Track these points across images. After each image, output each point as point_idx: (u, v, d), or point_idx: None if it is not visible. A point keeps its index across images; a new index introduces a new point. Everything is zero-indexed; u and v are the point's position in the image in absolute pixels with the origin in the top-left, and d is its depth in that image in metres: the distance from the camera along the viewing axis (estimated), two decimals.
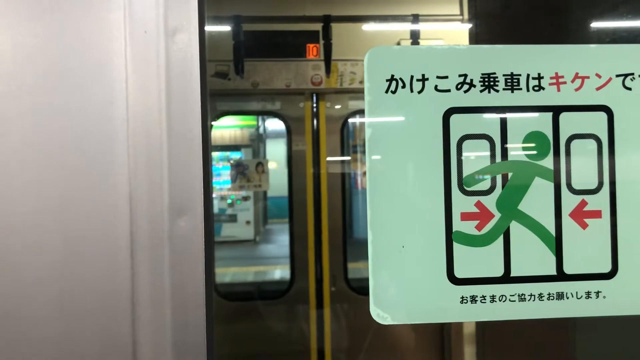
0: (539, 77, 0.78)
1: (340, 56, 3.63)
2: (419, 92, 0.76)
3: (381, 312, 0.77)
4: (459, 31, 3.58)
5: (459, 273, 0.77)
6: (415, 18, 3.46)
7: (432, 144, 0.77)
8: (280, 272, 4.75)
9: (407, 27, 3.62)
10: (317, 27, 3.52)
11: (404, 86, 0.76)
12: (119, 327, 0.70)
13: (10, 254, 0.68)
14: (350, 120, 3.94)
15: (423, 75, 0.76)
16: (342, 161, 3.86)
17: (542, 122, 0.78)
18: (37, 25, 0.68)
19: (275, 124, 6.64)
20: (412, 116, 0.76)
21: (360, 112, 3.92)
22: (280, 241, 6.49)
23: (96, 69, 0.70)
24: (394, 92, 0.76)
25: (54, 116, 0.70)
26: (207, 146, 0.74)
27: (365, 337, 3.82)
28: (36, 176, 0.69)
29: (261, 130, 7.25)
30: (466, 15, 3.50)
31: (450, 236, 0.77)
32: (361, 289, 3.81)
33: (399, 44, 3.77)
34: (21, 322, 0.68)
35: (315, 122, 3.81)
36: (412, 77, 0.76)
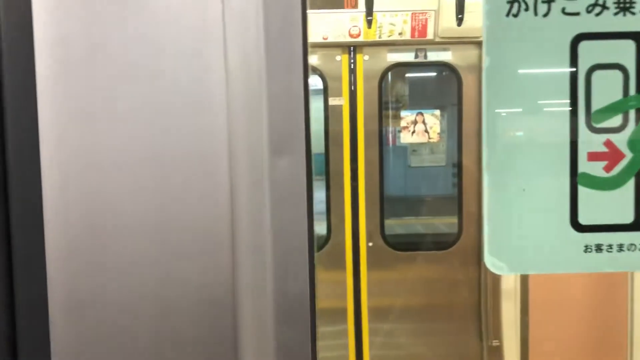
0: None
1: (379, 7, 3.51)
2: (544, 15, 0.68)
3: (496, 261, 0.70)
4: None
5: (583, 219, 0.70)
6: None
7: (557, 75, 0.68)
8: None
9: None
10: None
11: (527, 8, 0.67)
12: (218, 272, 0.64)
13: (107, 198, 0.63)
14: (389, 73, 3.83)
15: None
16: (380, 116, 3.77)
17: None
18: None
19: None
20: (536, 43, 0.68)
21: (398, 66, 3.80)
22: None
23: None
24: (515, 16, 0.67)
25: (142, 40, 0.63)
26: (307, 78, 0.67)
27: (402, 292, 3.80)
28: (128, 111, 0.63)
29: None
30: None
31: (575, 178, 0.69)
32: (398, 245, 3.78)
33: None
34: (119, 265, 0.63)
35: (352, 76, 3.71)
36: None
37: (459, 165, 3.82)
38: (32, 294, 0.64)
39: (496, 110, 0.69)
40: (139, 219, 0.63)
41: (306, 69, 0.67)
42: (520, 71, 0.68)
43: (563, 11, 0.68)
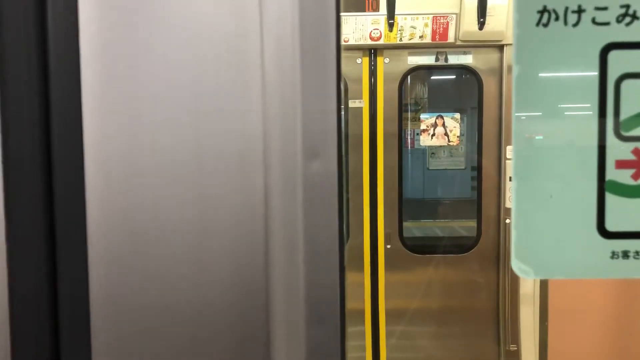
0: None
1: (401, 10, 3.52)
2: (574, 25, 0.69)
3: (523, 266, 0.71)
4: None
5: (610, 226, 0.71)
6: None
7: (586, 84, 0.69)
8: None
9: None
10: None
11: (557, 18, 0.68)
12: (252, 273, 0.66)
13: (148, 200, 0.65)
14: (409, 76, 3.83)
15: (579, 6, 0.68)
16: (400, 119, 3.77)
17: None
18: None
19: None
20: (566, 52, 0.69)
21: (418, 69, 3.81)
22: None
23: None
24: (545, 25, 0.68)
25: (182, 47, 0.65)
26: (340, 83, 0.69)
27: (419, 295, 3.80)
28: (167, 114, 0.65)
29: None
30: None
31: (602, 185, 0.70)
32: (416, 247, 3.78)
33: None
34: (157, 265, 0.66)
35: (372, 78, 3.72)
36: (567, 8, 0.68)
37: (478, 169, 3.81)
38: (74, 294, 0.66)
39: (525, 118, 0.70)
40: (178, 221, 0.65)
41: (339, 75, 0.69)
42: (550, 80, 0.70)
43: (593, 21, 0.69)
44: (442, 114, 3.89)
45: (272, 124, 0.66)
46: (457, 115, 3.89)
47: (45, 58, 0.64)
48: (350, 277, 3.76)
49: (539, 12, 0.69)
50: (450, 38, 3.60)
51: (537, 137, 0.70)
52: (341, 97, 0.69)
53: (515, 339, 3.66)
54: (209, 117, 0.66)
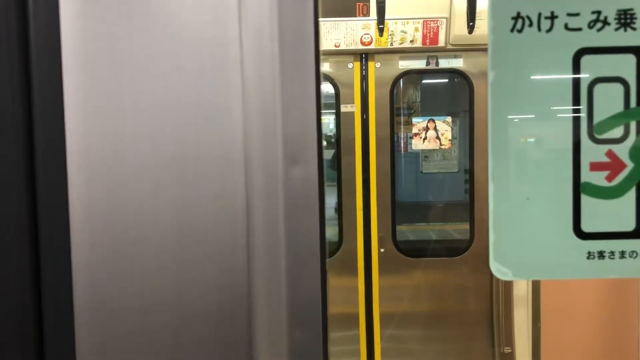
0: None
1: (391, 15, 3.54)
2: (547, 31, 0.70)
3: (502, 268, 0.73)
4: None
5: (586, 227, 0.72)
6: None
7: (560, 88, 0.71)
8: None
9: None
10: None
11: (530, 24, 0.70)
12: (233, 276, 0.67)
13: (130, 205, 0.66)
14: (401, 80, 3.85)
15: (552, 12, 0.70)
16: (392, 123, 3.79)
17: None
18: None
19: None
20: (540, 58, 0.71)
21: (409, 74, 3.83)
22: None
23: (208, 8, 0.66)
24: (519, 31, 0.70)
25: (164, 56, 0.66)
26: (319, 88, 0.70)
27: (413, 298, 3.81)
28: (149, 121, 0.66)
29: None
30: None
31: (578, 188, 0.71)
32: (409, 251, 3.79)
33: None
34: (140, 268, 0.67)
35: (364, 83, 3.74)
36: (540, 14, 0.70)
37: (470, 172, 3.82)
38: (58, 297, 0.67)
39: (501, 122, 0.71)
40: (160, 225, 0.67)
41: (318, 81, 0.70)
42: (524, 85, 0.71)
43: (565, 27, 0.70)
44: (433, 117, 3.91)
45: (253, 131, 0.67)
46: (449, 119, 3.91)
47: (27, 68, 0.66)
48: (344, 281, 3.76)
49: (513, 18, 0.70)
50: (441, 42, 3.62)
51: (512, 141, 0.71)
52: (321, 103, 0.71)
53: (510, 341, 3.67)
54: (191, 124, 0.67)
